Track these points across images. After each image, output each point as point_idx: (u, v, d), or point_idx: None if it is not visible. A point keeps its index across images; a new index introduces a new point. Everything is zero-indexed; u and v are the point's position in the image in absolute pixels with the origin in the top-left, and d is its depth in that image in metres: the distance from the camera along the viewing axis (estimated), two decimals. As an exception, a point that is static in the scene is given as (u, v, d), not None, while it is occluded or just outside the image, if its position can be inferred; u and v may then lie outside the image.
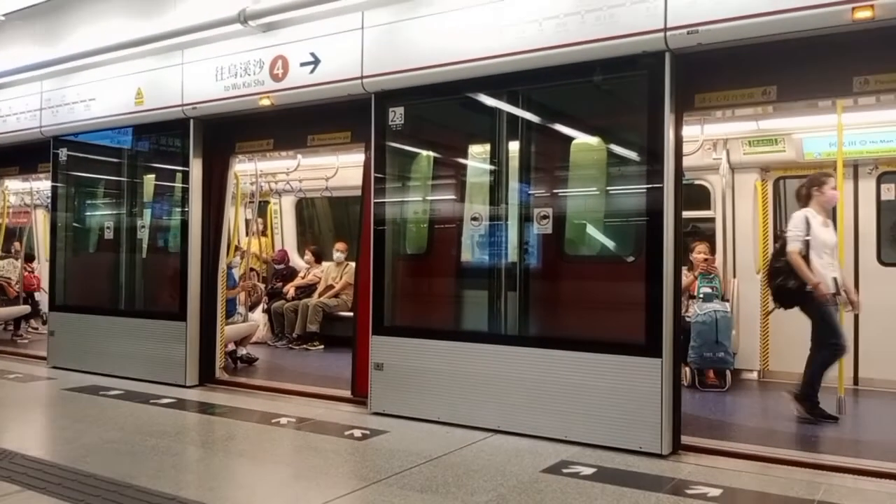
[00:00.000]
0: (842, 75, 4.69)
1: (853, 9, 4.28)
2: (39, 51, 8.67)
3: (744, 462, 4.69)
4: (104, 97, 8.10)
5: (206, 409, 6.43)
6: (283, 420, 5.83)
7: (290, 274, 11.17)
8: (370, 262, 6.21)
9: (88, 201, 9.10)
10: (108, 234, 8.38)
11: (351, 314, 8.37)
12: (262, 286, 10.64)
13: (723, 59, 4.92)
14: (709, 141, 7.46)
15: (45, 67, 8.52)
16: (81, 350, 8.26)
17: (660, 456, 4.77)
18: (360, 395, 6.34)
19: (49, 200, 10.09)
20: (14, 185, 12.37)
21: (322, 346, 9.88)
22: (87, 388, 7.23)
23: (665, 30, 4.80)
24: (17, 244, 12.58)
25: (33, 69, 8.65)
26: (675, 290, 4.97)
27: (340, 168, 10.03)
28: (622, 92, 5.53)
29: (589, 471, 4.49)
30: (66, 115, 8.49)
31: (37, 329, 11.77)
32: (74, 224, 9.07)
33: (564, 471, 4.49)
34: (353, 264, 9.36)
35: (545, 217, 5.49)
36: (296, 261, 11.61)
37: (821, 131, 7.05)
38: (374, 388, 6.07)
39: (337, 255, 10.53)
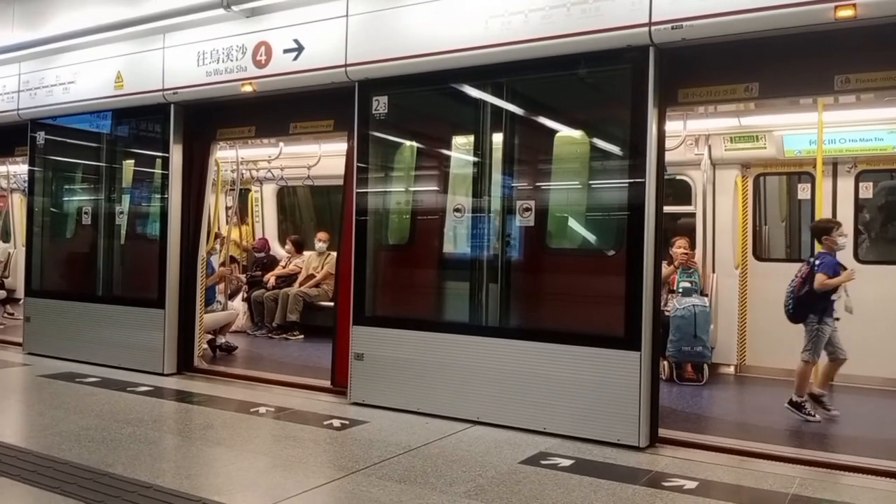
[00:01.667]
0: (823, 73, 4.74)
1: (835, 7, 4.31)
2: (19, 33, 8.52)
3: (720, 455, 4.74)
4: (84, 80, 7.98)
5: (183, 397, 6.39)
6: (262, 409, 5.81)
7: (271, 262, 11.10)
8: (352, 252, 6.19)
9: (66, 186, 8.98)
10: (87, 220, 8.28)
11: (331, 304, 8.34)
12: (241, 277, 10.58)
13: (706, 55, 4.95)
14: (691, 136, 7.50)
15: (23, 49, 8.38)
16: (58, 336, 8.16)
17: (637, 448, 4.81)
18: (339, 385, 6.33)
19: (26, 184, 9.94)
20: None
21: (302, 336, 9.84)
22: (64, 374, 7.15)
23: (650, 24, 4.81)
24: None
25: (12, 50, 8.50)
26: (655, 284, 5.00)
27: (323, 157, 9.97)
28: (606, 85, 5.54)
29: (567, 462, 4.51)
30: (44, 98, 8.37)
31: (13, 315, 11.62)
32: (52, 209, 8.95)
33: (542, 462, 4.52)
34: (334, 254, 9.32)
35: (527, 209, 5.50)
36: (276, 250, 11.55)
37: (801, 129, 7.11)
38: (354, 379, 6.06)
39: (318, 245, 10.48)
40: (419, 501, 3.81)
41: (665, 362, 7.02)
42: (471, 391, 5.49)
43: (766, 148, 7.42)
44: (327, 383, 6.52)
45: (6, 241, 13.24)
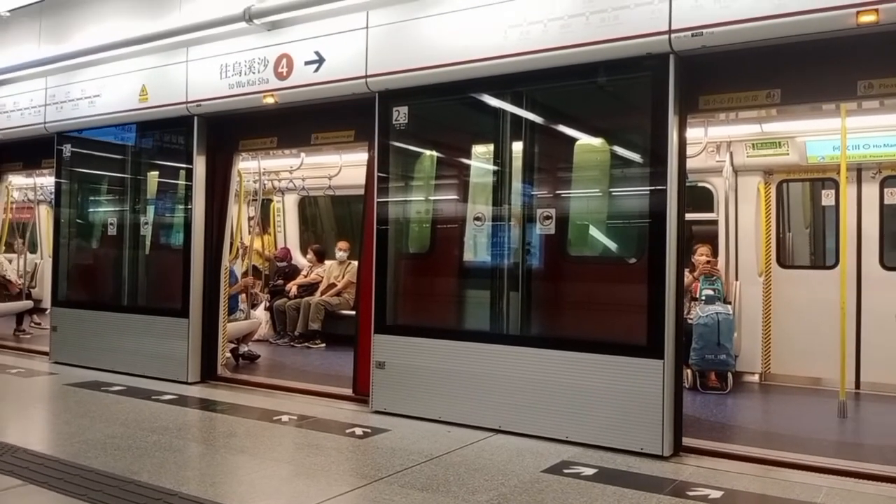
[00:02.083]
0: (846, 79, 4.70)
1: (858, 13, 4.28)
2: (45, 47, 8.68)
3: (745, 464, 4.69)
4: (109, 94, 8.11)
5: (207, 405, 6.44)
6: (285, 417, 5.84)
7: (293, 272, 11.19)
8: (373, 261, 6.22)
9: (92, 198, 9.11)
10: (112, 231, 8.40)
11: (352, 313, 8.39)
12: (260, 294, 10.68)
13: (727, 62, 4.93)
14: (712, 143, 7.46)
15: (50, 63, 8.53)
16: (84, 346, 8.27)
17: (661, 457, 4.78)
18: (361, 393, 6.35)
19: (52, 196, 10.10)
20: (17, 180, 12.38)
21: (323, 345, 9.89)
22: (89, 383, 7.24)
23: (669, 32, 4.80)
24: (19, 240, 12.60)
25: (38, 65, 8.66)
26: (678, 291, 4.97)
27: (344, 167, 10.05)
28: (626, 93, 5.53)
29: (590, 471, 4.49)
30: (70, 112, 8.51)
31: (39, 324, 11.79)
32: (78, 220, 9.08)
33: (565, 471, 4.50)
34: (355, 263, 9.37)
35: (548, 217, 5.50)
36: (298, 259, 11.63)
37: (824, 135, 7.04)
38: (376, 387, 6.08)
39: (339, 254, 10.54)
40: (442, 510, 3.81)
41: (688, 371, 6.97)
42: (493, 400, 5.49)
43: (788, 154, 7.35)
44: (349, 391, 6.55)
45: (33, 252, 13.45)
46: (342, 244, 10.61)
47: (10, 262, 11.97)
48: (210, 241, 7.51)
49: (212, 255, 7.51)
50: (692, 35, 4.73)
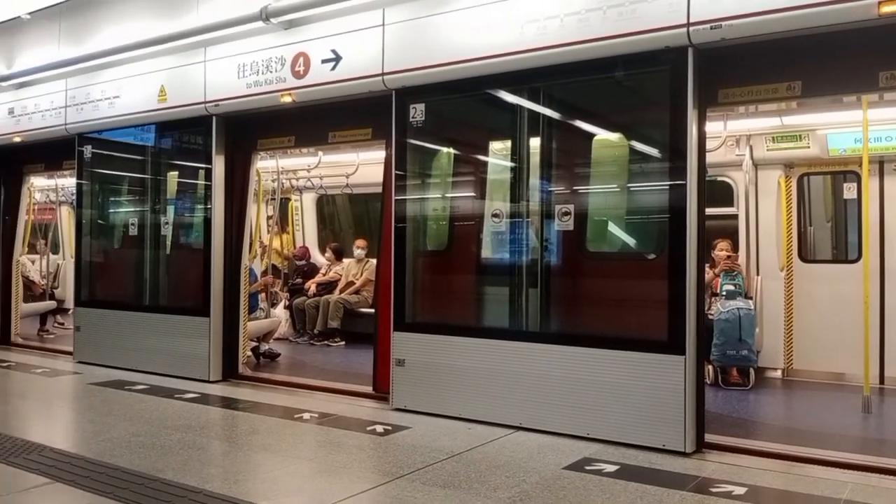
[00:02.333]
0: (867, 70, 4.65)
1: (879, 3, 4.22)
2: (65, 49, 8.78)
3: (768, 461, 4.66)
4: (128, 95, 8.18)
5: (229, 403, 6.49)
6: (306, 415, 5.88)
7: (311, 270, 11.24)
8: (391, 258, 6.24)
9: (113, 198, 9.20)
10: (133, 231, 8.47)
11: (371, 310, 8.41)
12: (280, 293, 10.74)
13: (747, 54, 4.89)
14: (732, 137, 7.40)
15: (70, 65, 8.62)
16: (107, 345, 8.36)
17: (683, 454, 4.76)
18: (381, 391, 6.38)
19: (74, 197, 10.21)
20: (39, 181, 12.52)
21: (343, 343, 9.93)
22: (113, 382, 7.32)
23: (688, 25, 4.76)
24: (41, 241, 12.75)
25: (59, 67, 8.75)
26: (698, 287, 4.94)
27: (361, 165, 10.07)
28: (644, 88, 5.50)
29: (612, 468, 4.48)
30: (90, 113, 8.59)
31: (62, 324, 11.93)
32: (99, 221, 9.18)
33: (587, 468, 4.49)
34: (373, 261, 9.40)
35: (566, 214, 5.48)
36: (317, 257, 11.68)
37: (846, 127, 6.97)
38: (396, 384, 6.09)
39: (357, 252, 10.57)
40: (464, 507, 3.81)
41: (710, 367, 6.92)
42: (513, 397, 5.48)
43: (809, 147, 7.29)
44: (369, 389, 6.57)
45: (55, 252, 13.60)
46: (360, 242, 10.64)
47: (32, 262, 12.11)
48: (230, 240, 7.56)
49: (231, 255, 7.56)
50: (711, 28, 4.70)
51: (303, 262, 11.30)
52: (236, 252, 7.58)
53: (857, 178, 7.27)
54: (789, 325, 7.59)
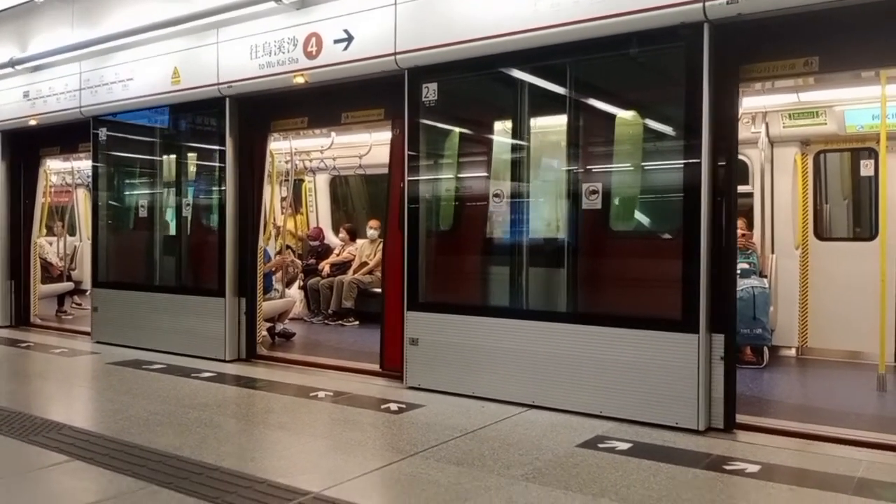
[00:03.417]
0: (887, 45, 4.57)
1: (900, -24, 4.16)
2: (78, 32, 8.80)
3: (783, 438, 4.65)
4: (142, 77, 8.20)
5: (245, 382, 6.55)
6: (321, 394, 5.93)
7: (325, 251, 11.28)
8: (399, 238, 6.24)
9: (128, 180, 9.26)
10: (148, 213, 8.53)
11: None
12: (297, 262, 10.77)
13: (763, 30, 4.82)
14: (747, 114, 7.32)
15: (83, 48, 8.65)
16: (124, 325, 8.45)
17: (697, 432, 4.76)
18: (388, 368, 6.45)
19: (90, 180, 10.28)
20: (55, 164, 12.61)
21: (357, 322, 9.98)
22: (130, 362, 7.41)
23: (704, 0, 4.70)
24: (59, 223, 12.87)
25: (72, 50, 8.78)
26: (715, 265, 4.90)
27: (374, 146, 10.05)
28: (659, 64, 5.44)
29: (625, 446, 4.49)
30: (104, 96, 8.62)
31: (80, 305, 12.06)
32: (115, 203, 9.24)
33: (600, 445, 4.51)
34: (386, 241, 9.40)
35: (590, 192, 5.42)
36: (330, 238, 11.71)
37: (863, 103, 6.87)
38: (410, 363, 6.13)
39: (370, 233, 10.60)
40: (477, 483, 3.84)
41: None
42: (526, 375, 5.50)
43: (826, 124, 7.20)
44: (379, 367, 6.61)
45: (72, 234, 13.73)
46: (373, 222, 10.66)
47: (50, 244, 12.23)
48: (244, 221, 7.58)
49: (246, 236, 7.59)
50: (727, 3, 4.63)
51: (316, 243, 11.33)
52: (252, 233, 7.60)
53: (875, 155, 7.18)
54: (804, 304, 7.55)
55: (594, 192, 5.45)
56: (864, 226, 7.80)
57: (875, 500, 3.60)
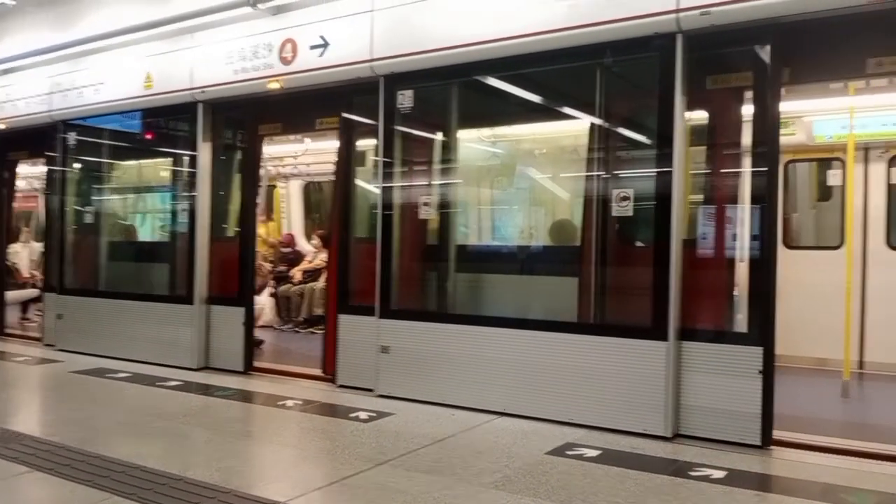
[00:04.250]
0: (855, 57, 4.65)
1: (866, -11, 4.22)
2: (50, 35, 8.66)
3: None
4: (113, 81, 8.09)
5: (212, 391, 6.45)
6: (289, 402, 5.86)
7: (297, 258, 11.19)
8: (346, 244, 6.33)
9: (96, 185, 9.11)
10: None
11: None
12: (265, 265, 10.65)
13: (736, 41, 4.87)
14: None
15: (54, 52, 8.52)
16: (89, 333, 8.29)
17: (664, 438, 4.77)
18: (328, 373, 6.50)
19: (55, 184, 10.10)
20: (22, 169, 12.36)
21: (328, 330, 9.90)
22: (95, 370, 7.27)
23: (677, 11, 4.75)
24: (25, 229, 12.62)
25: (44, 53, 8.64)
26: (691, 273, 4.92)
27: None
28: (633, 74, 5.47)
29: (594, 453, 4.49)
30: (75, 100, 8.49)
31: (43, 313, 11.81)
32: (80, 208, 9.06)
33: (569, 453, 4.50)
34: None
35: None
36: (303, 245, 11.63)
37: (832, 114, 6.97)
38: (381, 371, 6.08)
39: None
40: (447, 492, 3.81)
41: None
42: (497, 383, 5.48)
43: (795, 134, 7.29)
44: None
45: (39, 241, 13.45)
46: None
47: (23, 249, 12.01)
48: (215, 227, 7.49)
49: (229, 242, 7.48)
50: (700, 14, 4.68)
51: (288, 250, 11.24)
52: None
53: (843, 165, 7.29)
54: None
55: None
56: (831, 235, 7.90)
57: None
